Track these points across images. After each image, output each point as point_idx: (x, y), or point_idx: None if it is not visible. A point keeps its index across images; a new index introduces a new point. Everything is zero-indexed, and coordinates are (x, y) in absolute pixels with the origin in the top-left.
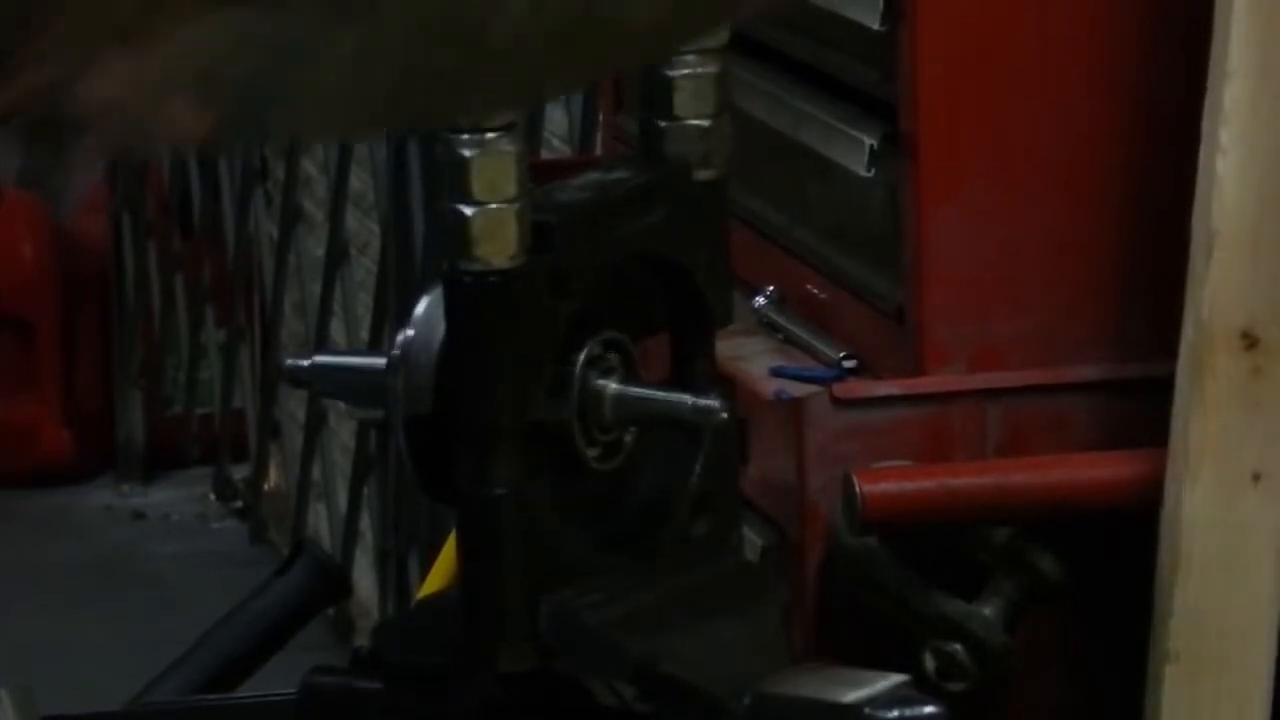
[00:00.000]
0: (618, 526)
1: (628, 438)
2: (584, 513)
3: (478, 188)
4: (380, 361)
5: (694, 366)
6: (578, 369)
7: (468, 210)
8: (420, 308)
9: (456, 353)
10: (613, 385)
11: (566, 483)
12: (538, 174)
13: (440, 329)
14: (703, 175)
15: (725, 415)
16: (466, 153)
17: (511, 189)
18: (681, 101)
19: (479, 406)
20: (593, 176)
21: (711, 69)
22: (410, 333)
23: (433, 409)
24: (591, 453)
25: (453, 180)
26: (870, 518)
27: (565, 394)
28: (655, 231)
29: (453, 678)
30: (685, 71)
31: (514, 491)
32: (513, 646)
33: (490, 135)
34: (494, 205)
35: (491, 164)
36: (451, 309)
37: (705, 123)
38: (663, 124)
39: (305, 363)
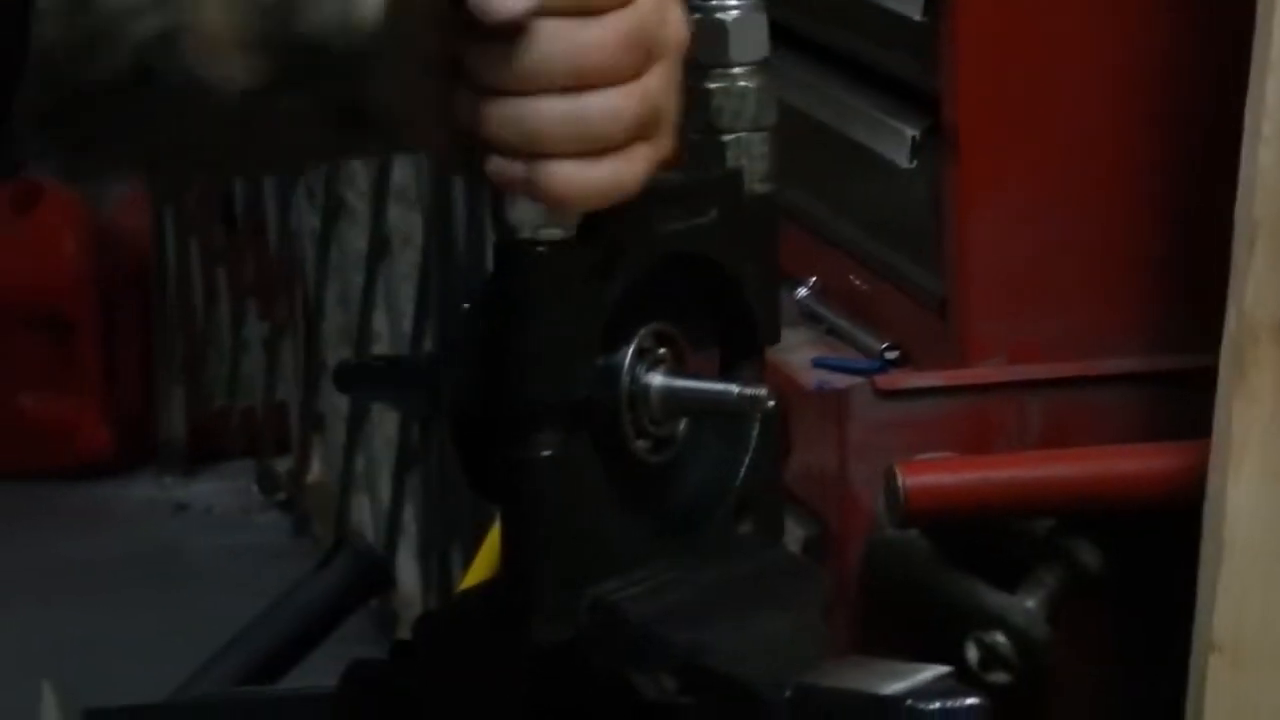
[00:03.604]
0: (663, 519)
1: (678, 432)
2: (630, 503)
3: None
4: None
5: (743, 373)
6: (627, 359)
7: None
8: (470, 299)
9: (505, 327)
10: (659, 376)
11: (614, 471)
12: None
13: (489, 317)
14: (756, 188)
15: (772, 403)
16: None
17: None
18: (736, 113)
19: (525, 377)
20: None
21: (768, 80)
22: (459, 324)
23: (481, 392)
24: (641, 444)
25: None
26: (912, 509)
27: (614, 382)
28: (705, 233)
29: (492, 661)
30: (741, 84)
31: (558, 456)
32: (551, 617)
33: None
34: None
35: None
36: (500, 280)
37: (760, 135)
38: (721, 137)
39: (351, 365)
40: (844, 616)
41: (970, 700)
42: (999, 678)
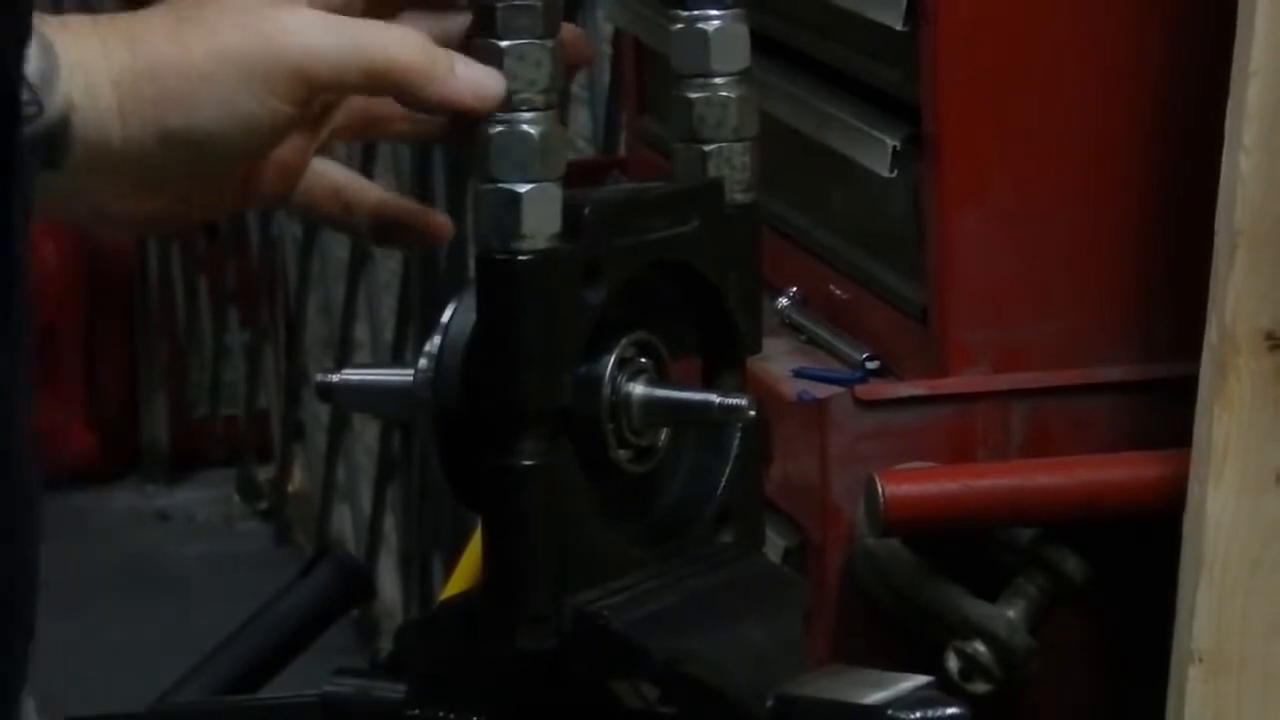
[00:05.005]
0: (645, 528)
1: (660, 441)
2: (612, 512)
3: (536, 167)
4: (409, 373)
5: (724, 382)
6: (609, 368)
7: (521, 188)
8: (451, 307)
9: (487, 334)
10: (641, 386)
11: (596, 480)
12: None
13: (469, 324)
14: (737, 198)
15: (753, 413)
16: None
17: (558, 170)
18: (718, 123)
19: (508, 386)
20: (627, 184)
21: (749, 90)
22: (440, 333)
23: (462, 400)
24: (623, 454)
25: (505, 158)
26: (893, 519)
27: (596, 392)
28: (687, 241)
29: (473, 670)
30: (723, 94)
31: (541, 465)
32: (532, 626)
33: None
34: (545, 185)
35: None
36: (482, 289)
37: (742, 145)
38: (703, 147)
39: (334, 378)
40: (825, 626)
41: (952, 710)
42: (980, 687)
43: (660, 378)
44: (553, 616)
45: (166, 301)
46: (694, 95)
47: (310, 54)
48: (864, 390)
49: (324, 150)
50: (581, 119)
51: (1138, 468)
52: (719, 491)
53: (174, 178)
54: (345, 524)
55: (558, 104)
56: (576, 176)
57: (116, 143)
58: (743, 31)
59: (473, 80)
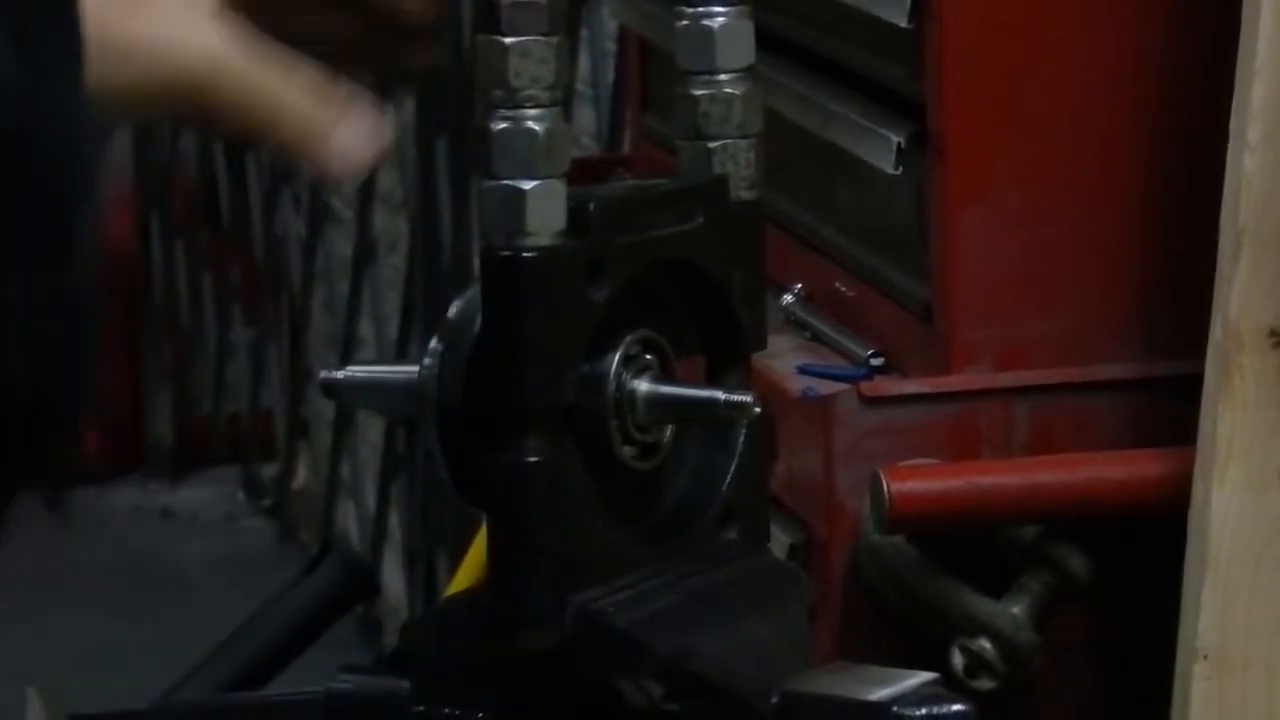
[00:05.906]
0: (649, 525)
1: (665, 439)
2: (616, 509)
3: (540, 165)
4: (413, 369)
5: (728, 380)
6: (613, 365)
7: (526, 185)
8: (456, 305)
9: (491, 331)
10: (646, 383)
11: (600, 477)
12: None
13: (475, 323)
14: (742, 195)
15: (758, 409)
16: (535, 127)
17: (562, 167)
18: (723, 120)
19: (512, 382)
20: (631, 182)
21: (754, 87)
22: (445, 329)
23: (466, 397)
24: (628, 451)
25: (509, 155)
26: (898, 516)
27: (600, 389)
28: (691, 239)
29: (478, 667)
30: (727, 90)
31: (545, 461)
32: (537, 624)
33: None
34: (549, 182)
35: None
36: (486, 286)
37: (746, 142)
38: (707, 144)
39: (339, 375)
40: (829, 622)
41: (956, 706)
42: (985, 684)
43: (665, 375)
44: (556, 614)
45: (170, 299)
46: (698, 92)
47: (212, 80)
48: (869, 387)
49: None
50: (586, 116)
51: (1140, 465)
52: (724, 489)
53: None
54: (350, 521)
55: (562, 101)
56: (581, 174)
57: None
58: (748, 28)
59: (342, 151)
